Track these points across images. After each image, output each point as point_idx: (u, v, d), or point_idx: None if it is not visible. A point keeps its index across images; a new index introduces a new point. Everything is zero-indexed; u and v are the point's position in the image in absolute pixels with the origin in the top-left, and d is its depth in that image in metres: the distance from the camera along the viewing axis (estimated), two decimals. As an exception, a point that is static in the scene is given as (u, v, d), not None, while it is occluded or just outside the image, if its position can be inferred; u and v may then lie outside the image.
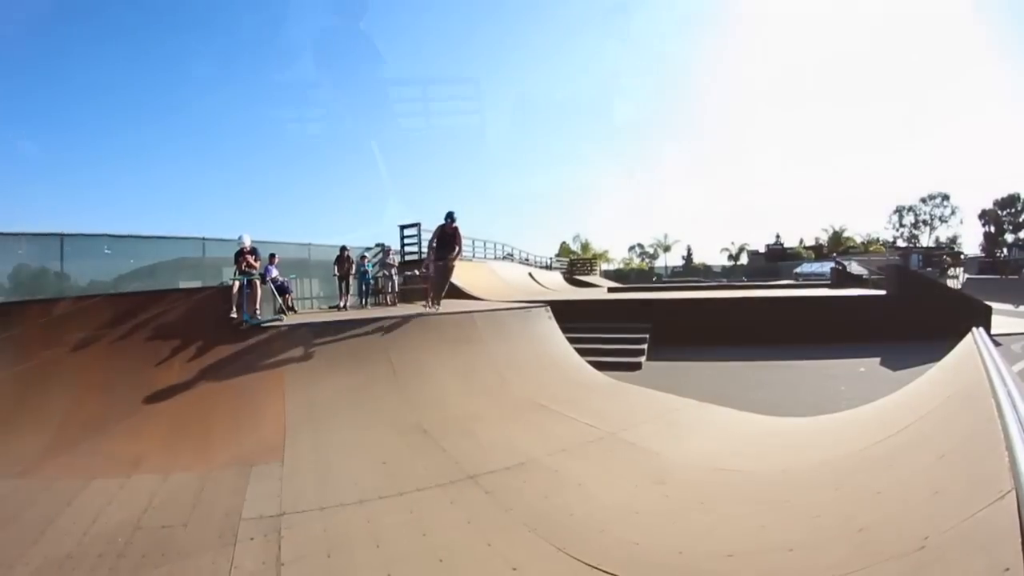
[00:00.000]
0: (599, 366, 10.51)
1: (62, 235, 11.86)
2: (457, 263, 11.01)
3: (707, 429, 6.67)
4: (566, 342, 10.66)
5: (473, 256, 28.07)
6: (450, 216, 10.67)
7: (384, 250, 16.25)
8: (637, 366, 13.31)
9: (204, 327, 8.10)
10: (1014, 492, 2.26)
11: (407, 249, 21.30)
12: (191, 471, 5.56)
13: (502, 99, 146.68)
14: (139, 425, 6.56)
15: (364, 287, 14.89)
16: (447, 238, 10.78)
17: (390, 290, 15.33)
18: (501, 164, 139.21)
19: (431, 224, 24.89)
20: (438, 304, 11.04)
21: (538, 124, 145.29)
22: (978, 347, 5.17)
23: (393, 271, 15.54)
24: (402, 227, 22.00)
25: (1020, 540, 1.99)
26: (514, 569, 3.62)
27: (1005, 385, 3.50)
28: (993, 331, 16.94)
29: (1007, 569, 1.92)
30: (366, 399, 7.28)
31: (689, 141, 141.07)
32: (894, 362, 12.07)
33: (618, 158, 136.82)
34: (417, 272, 17.19)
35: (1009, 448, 2.63)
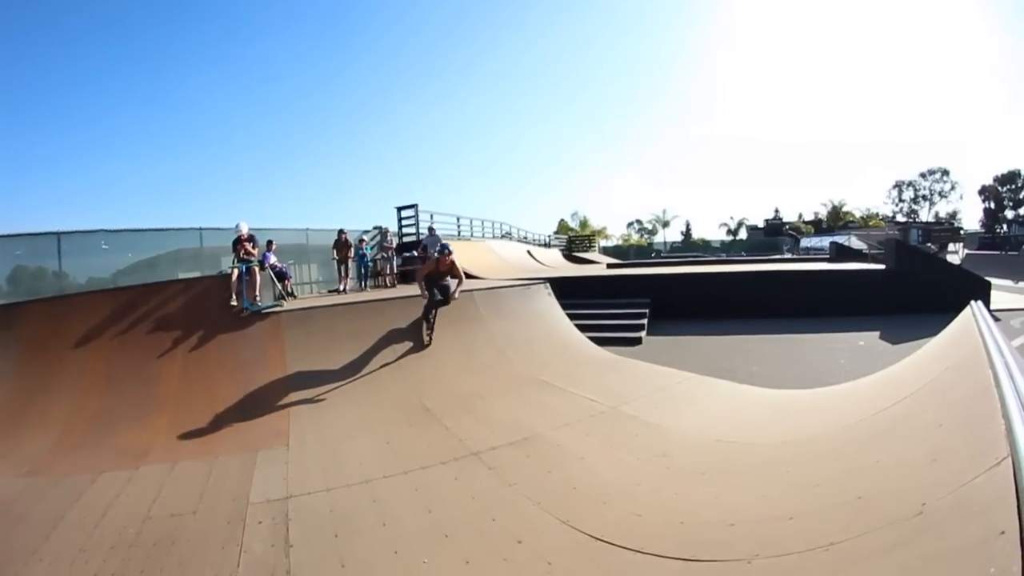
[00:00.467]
0: (599, 341, 10.56)
1: (59, 233, 11.84)
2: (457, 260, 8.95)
3: (708, 402, 6.72)
4: (566, 318, 10.70)
5: (472, 235, 28.05)
6: (444, 250, 8.79)
7: (382, 232, 16.28)
8: (637, 341, 13.40)
9: (205, 316, 8.12)
10: (1010, 458, 2.30)
11: (405, 231, 21.30)
12: (198, 459, 5.62)
13: (502, 78, 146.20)
14: (144, 417, 6.61)
15: (363, 270, 14.92)
16: (440, 274, 8.79)
17: (389, 272, 15.39)
18: (500, 144, 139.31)
19: (428, 205, 24.61)
20: (430, 333, 8.64)
21: (538, 103, 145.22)
22: (976, 320, 5.19)
23: (391, 253, 15.59)
24: (399, 209, 21.99)
25: (1016, 504, 2.02)
26: (519, 542, 3.68)
27: (1002, 355, 3.53)
28: (992, 306, 17.02)
29: (1003, 532, 1.95)
30: (368, 380, 7.33)
31: (688, 118, 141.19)
32: (893, 335, 12.10)
33: (616, 135, 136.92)
34: (415, 252, 17.30)
35: (1006, 416, 2.67)
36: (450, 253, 8.82)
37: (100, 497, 4.93)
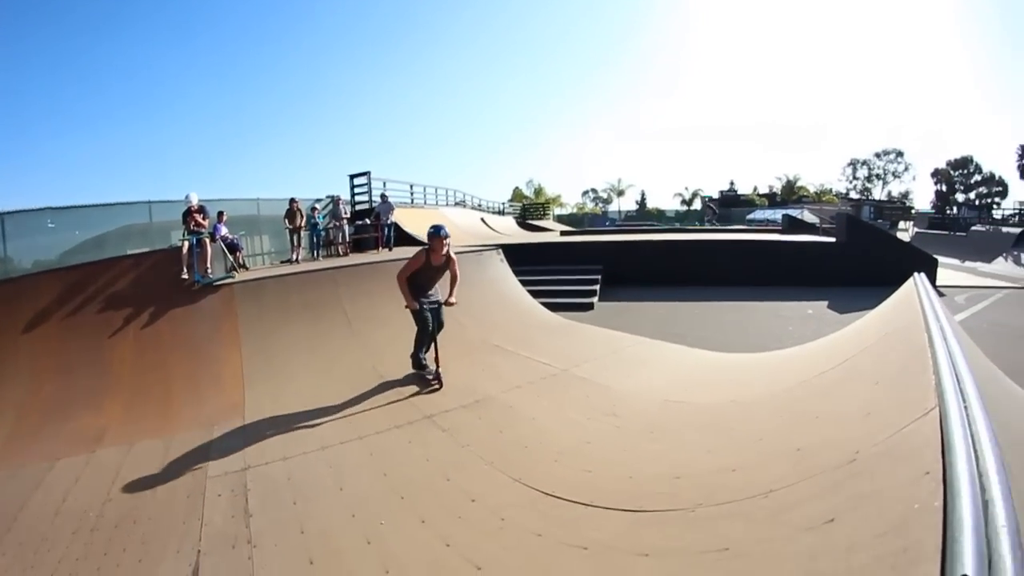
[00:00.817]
0: (552, 307, 10.65)
1: (1, 214, 11.25)
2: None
3: (658, 364, 6.88)
4: (519, 284, 10.73)
5: (425, 203, 27.91)
6: (439, 231, 6.34)
7: (334, 201, 16.04)
8: (589, 307, 13.64)
9: (156, 292, 7.90)
10: (937, 408, 2.44)
11: (357, 200, 21.06)
12: (155, 438, 5.53)
13: (465, 47, 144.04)
14: (99, 399, 6.45)
15: (315, 239, 14.68)
16: (433, 270, 6.53)
17: (341, 240, 15.21)
18: (461, 115, 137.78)
19: (383, 172, 23.92)
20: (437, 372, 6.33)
21: (494, 71, 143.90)
22: (917, 291, 5.44)
23: (344, 222, 15.39)
24: (352, 176, 21.70)
25: (939, 447, 2.15)
26: (473, 500, 3.74)
27: (938, 321, 3.72)
28: (939, 283, 17.89)
29: (927, 472, 2.07)
30: (323, 349, 7.28)
31: (645, 88, 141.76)
32: (841, 305, 12.54)
33: (572, 102, 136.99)
34: (367, 220, 17.14)
35: (936, 372, 2.83)
36: (446, 237, 6.35)
37: (59, 484, 4.82)
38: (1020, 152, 67.61)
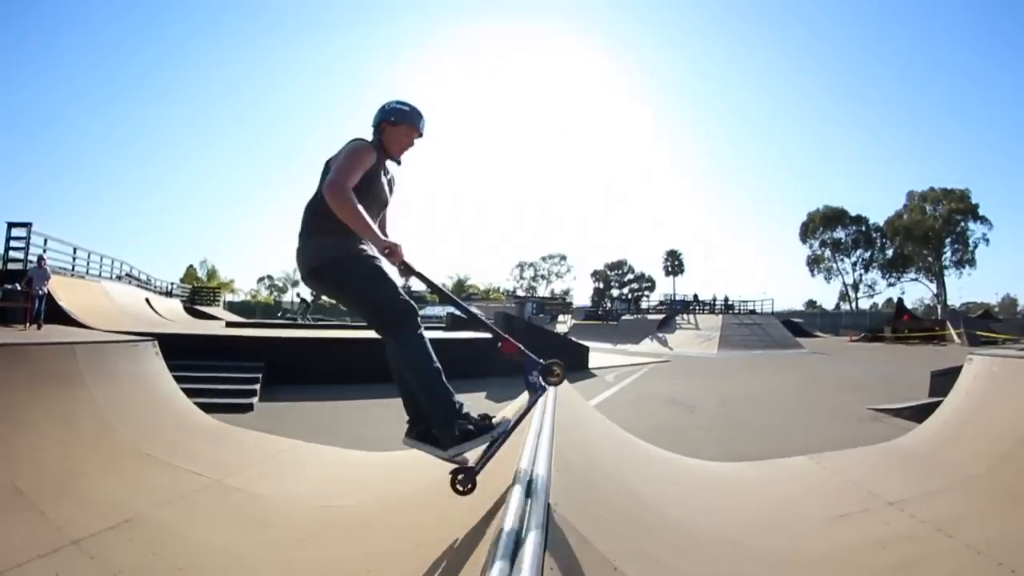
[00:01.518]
0: (208, 407, 9.96)
1: None
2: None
3: (314, 468, 7.10)
4: (173, 382, 9.80)
5: (87, 273, 24.66)
6: (416, 116, 3.95)
7: None
8: (249, 407, 13.25)
9: None
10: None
11: (12, 256, 17.87)
12: None
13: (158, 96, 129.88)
14: None
15: None
16: (386, 190, 4.01)
17: None
18: (124, 173, 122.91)
19: (45, 226, 20.45)
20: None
21: (186, 131, 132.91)
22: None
23: None
24: (10, 226, 18.77)
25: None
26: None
27: (543, 412, 4.71)
28: (591, 365, 21.98)
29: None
30: None
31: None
32: (497, 395, 14.27)
33: (255, 187, 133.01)
34: (18, 286, 14.47)
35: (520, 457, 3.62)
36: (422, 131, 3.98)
37: None
38: (665, 256, 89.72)
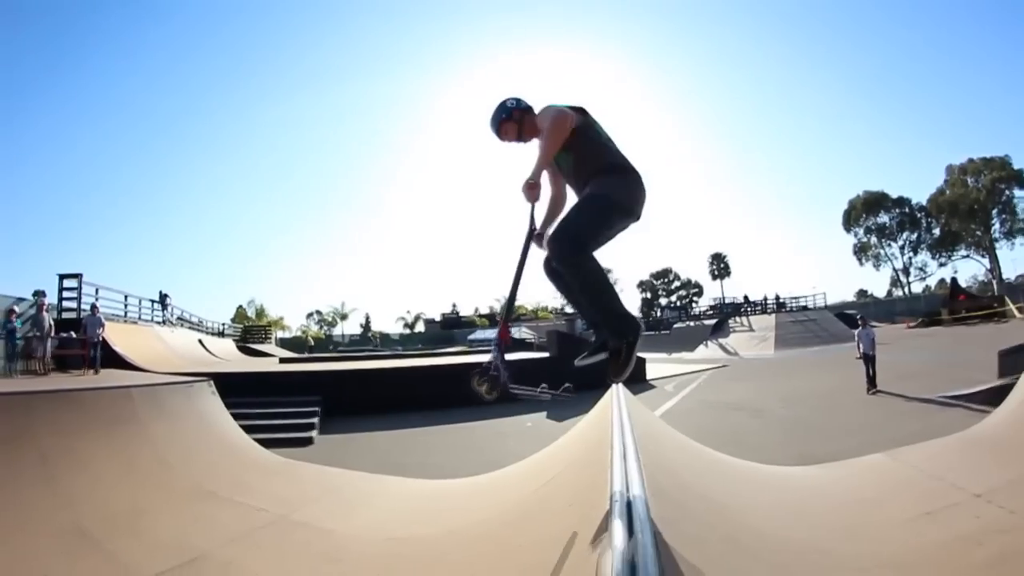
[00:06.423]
0: (267, 443, 9.93)
1: None
2: None
3: (379, 500, 6.85)
4: (231, 419, 9.78)
5: (140, 318, 25.31)
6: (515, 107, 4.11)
7: (38, 303, 13.60)
8: (309, 441, 13.14)
9: None
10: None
11: (65, 304, 18.23)
12: None
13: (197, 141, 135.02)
14: None
15: (11, 349, 12.15)
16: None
17: (42, 355, 12.76)
18: (174, 222, 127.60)
19: (96, 276, 21.00)
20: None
21: (223, 178, 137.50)
22: (615, 399, 6.27)
23: (48, 330, 13.00)
24: (62, 277, 18.74)
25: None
26: None
27: (622, 436, 4.34)
28: (649, 376, 21.27)
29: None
30: (8, 497, 5.82)
31: (367, 211, 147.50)
32: (558, 414, 13.87)
33: (297, 222, 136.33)
34: (73, 333, 14.85)
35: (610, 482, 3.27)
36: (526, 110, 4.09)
37: None
38: (710, 260, 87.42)
